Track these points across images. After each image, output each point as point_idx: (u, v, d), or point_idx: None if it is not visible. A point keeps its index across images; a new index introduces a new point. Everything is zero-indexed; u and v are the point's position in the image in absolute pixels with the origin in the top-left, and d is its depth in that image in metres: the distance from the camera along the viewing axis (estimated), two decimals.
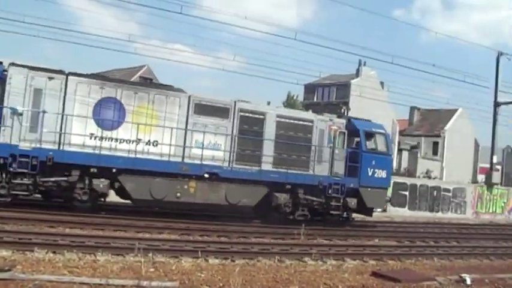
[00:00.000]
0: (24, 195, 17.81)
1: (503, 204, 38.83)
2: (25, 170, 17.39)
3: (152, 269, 11.55)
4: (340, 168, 22.35)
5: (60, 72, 18.31)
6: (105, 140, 18.43)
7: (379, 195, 23.12)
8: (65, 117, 17.89)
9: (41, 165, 17.58)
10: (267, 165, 21.02)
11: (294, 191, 21.73)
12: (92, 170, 18.37)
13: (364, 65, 65.86)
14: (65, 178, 18.17)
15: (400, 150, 59.09)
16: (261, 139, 20.99)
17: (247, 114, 20.87)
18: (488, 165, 40.14)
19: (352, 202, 22.47)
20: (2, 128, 17.17)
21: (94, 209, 18.97)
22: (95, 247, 13.06)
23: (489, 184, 38.22)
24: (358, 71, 69.58)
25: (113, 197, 20.27)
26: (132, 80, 58.20)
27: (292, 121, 21.83)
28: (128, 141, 18.78)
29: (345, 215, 23.28)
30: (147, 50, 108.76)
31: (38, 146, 17.50)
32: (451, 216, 34.19)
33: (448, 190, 35.53)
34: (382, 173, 22.89)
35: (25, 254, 11.97)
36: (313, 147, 21.98)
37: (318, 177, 21.91)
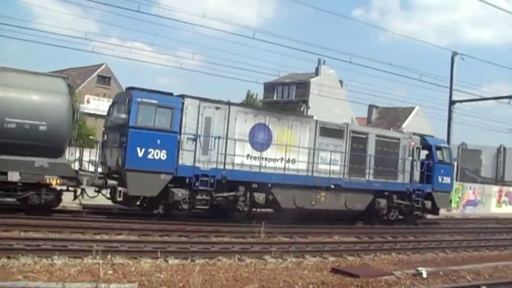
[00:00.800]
0: (203, 209, 20.85)
1: (458, 199, 39.78)
2: (205, 188, 20.24)
3: (111, 271, 11.40)
4: (417, 176, 27.03)
5: (225, 103, 21.39)
6: (259, 159, 21.70)
7: (446, 198, 28.82)
8: (229, 141, 20.92)
9: (216, 183, 20.49)
10: (370, 177, 25.14)
11: (389, 197, 25.99)
12: (253, 185, 21.56)
13: (324, 64, 66.44)
14: (233, 193, 21.26)
15: None
16: (365, 154, 25.05)
17: (355, 135, 24.91)
18: None
19: (428, 204, 27.38)
20: (181, 152, 19.70)
21: (249, 217, 21.81)
22: (52, 250, 12.74)
23: None
24: (317, 69, 70.16)
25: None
26: (90, 77, 57.70)
27: (385, 139, 26.19)
28: (275, 160, 22.11)
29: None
30: (105, 49, 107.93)
31: (214, 166, 20.48)
32: None
33: None
34: (447, 180, 28.41)
35: None
36: (400, 160, 26.47)
37: (406, 185, 26.54)
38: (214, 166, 20.45)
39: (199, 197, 20.26)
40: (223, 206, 21.31)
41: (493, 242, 22.41)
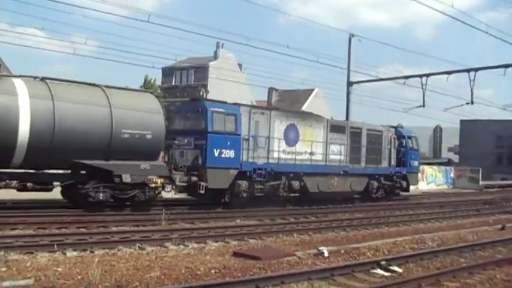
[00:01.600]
0: (260, 195, 24.68)
1: None
2: (260, 179, 24.51)
3: (4, 268, 10.89)
4: (394, 161, 32.90)
5: (267, 108, 28.50)
6: (291, 154, 26.27)
7: (415, 177, 36.11)
8: (272, 139, 25.28)
9: (268, 174, 24.86)
10: (363, 164, 30.52)
11: (378, 179, 31.72)
12: (290, 175, 26.03)
13: (222, 47, 66.25)
14: (278, 182, 25.47)
15: None
16: (360, 146, 30.37)
17: (353, 130, 30.17)
18: None
19: (404, 183, 33.82)
20: (243, 151, 23.78)
21: (286, 200, 26.63)
22: None
23: None
24: (216, 53, 69.95)
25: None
26: None
27: (373, 132, 31.48)
28: (302, 153, 26.81)
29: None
30: None
31: (265, 161, 24.87)
32: None
33: None
34: (415, 163, 35.39)
35: None
36: (383, 149, 32.07)
37: (389, 169, 32.50)
38: (265, 161, 24.82)
39: (257, 186, 24.38)
40: (268, 192, 25.17)
41: (393, 218, 23.46)
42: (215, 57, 69.72)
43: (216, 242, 15.63)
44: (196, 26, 60.94)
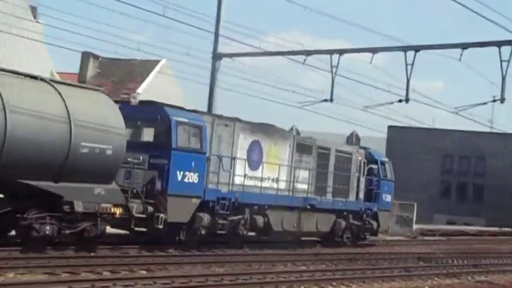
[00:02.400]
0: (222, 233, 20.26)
1: None
2: (223, 212, 19.69)
3: None
4: (362, 194, 26.34)
5: (231, 119, 21.23)
6: (253, 180, 21.35)
7: (388, 217, 28.72)
8: (236, 160, 20.63)
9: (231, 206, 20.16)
10: (330, 195, 24.60)
11: (347, 217, 25.22)
12: (254, 207, 21.10)
13: None
14: (241, 216, 20.68)
15: None
16: (327, 171, 24.57)
17: (321, 151, 24.40)
18: None
19: (375, 224, 26.67)
20: (207, 174, 19.45)
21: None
22: None
23: None
24: None
25: None
26: None
27: (342, 154, 25.48)
28: (266, 180, 21.74)
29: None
30: None
31: (229, 188, 20.19)
32: None
33: None
34: (389, 197, 28.14)
35: None
36: (352, 177, 25.82)
37: (359, 204, 26.08)
38: (228, 188, 20.18)
39: (220, 221, 19.73)
40: (229, 229, 20.51)
41: None
42: None
43: None
44: None
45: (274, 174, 22.09)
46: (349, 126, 51.26)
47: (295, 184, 22.97)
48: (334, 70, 27.80)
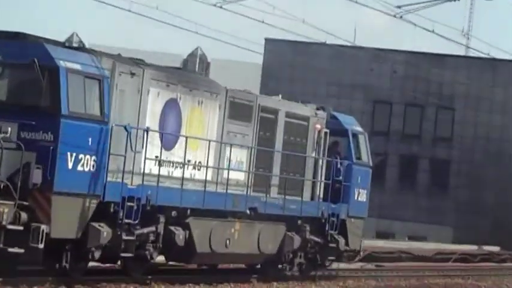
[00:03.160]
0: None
1: None
2: (130, 220, 12.42)
3: None
4: (321, 188, 16.83)
5: (137, 63, 13.15)
6: (168, 166, 13.59)
7: (359, 230, 18.17)
8: (148, 133, 13.04)
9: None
10: (276, 190, 15.80)
11: (301, 229, 16.29)
12: (172, 213, 13.57)
13: None
14: (153, 227, 13.22)
15: None
16: (272, 150, 15.67)
17: (264, 115, 15.56)
18: None
19: (342, 241, 17.12)
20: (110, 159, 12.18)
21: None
22: None
23: None
24: None
25: None
26: None
27: (292, 120, 16.31)
28: (185, 165, 13.76)
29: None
30: None
31: (140, 183, 12.65)
32: None
33: None
34: (364, 195, 18.06)
35: None
36: (307, 160, 16.46)
37: (320, 206, 16.50)
38: (138, 182, 12.56)
39: (125, 236, 12.21)
40: (133, 251, 12.86)
41: None
42: None
43: None
44: None
45: (199, 156, 14.00)
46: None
47: (226, 173, 14.70)
48: None
